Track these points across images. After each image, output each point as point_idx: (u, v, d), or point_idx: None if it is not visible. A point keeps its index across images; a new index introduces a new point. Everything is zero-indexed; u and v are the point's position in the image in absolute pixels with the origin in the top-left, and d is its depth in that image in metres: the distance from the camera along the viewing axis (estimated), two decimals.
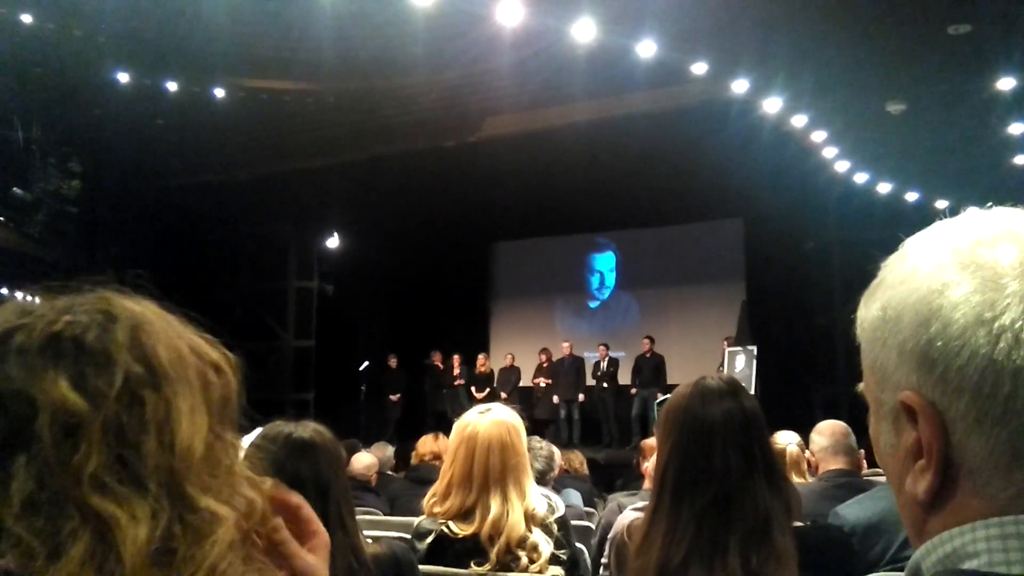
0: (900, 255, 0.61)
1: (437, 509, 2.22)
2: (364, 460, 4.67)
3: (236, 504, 0.67)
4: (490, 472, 2.18)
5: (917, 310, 0.57)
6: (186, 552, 0.60)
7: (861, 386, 0.64)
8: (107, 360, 0.63)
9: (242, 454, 0.72)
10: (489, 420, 2.25)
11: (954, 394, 0.55)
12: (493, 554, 2.12)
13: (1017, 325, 0.53)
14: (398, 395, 12.67)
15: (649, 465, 3.00)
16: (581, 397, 11.73)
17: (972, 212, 0.61)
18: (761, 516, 1.49)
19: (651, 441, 3.67)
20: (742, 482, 1.52)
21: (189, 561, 0.60)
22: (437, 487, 2.25)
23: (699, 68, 6.98)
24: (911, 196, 9.54)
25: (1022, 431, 0.53)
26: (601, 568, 2.70)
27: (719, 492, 1.52)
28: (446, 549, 2.18)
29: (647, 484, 3.22)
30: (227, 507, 0.65)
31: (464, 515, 2.19)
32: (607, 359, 11.83)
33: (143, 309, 0.69)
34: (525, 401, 11.52)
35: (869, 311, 0.62)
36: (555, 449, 4.10)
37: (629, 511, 2.29)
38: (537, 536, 2.16)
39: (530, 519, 2.18)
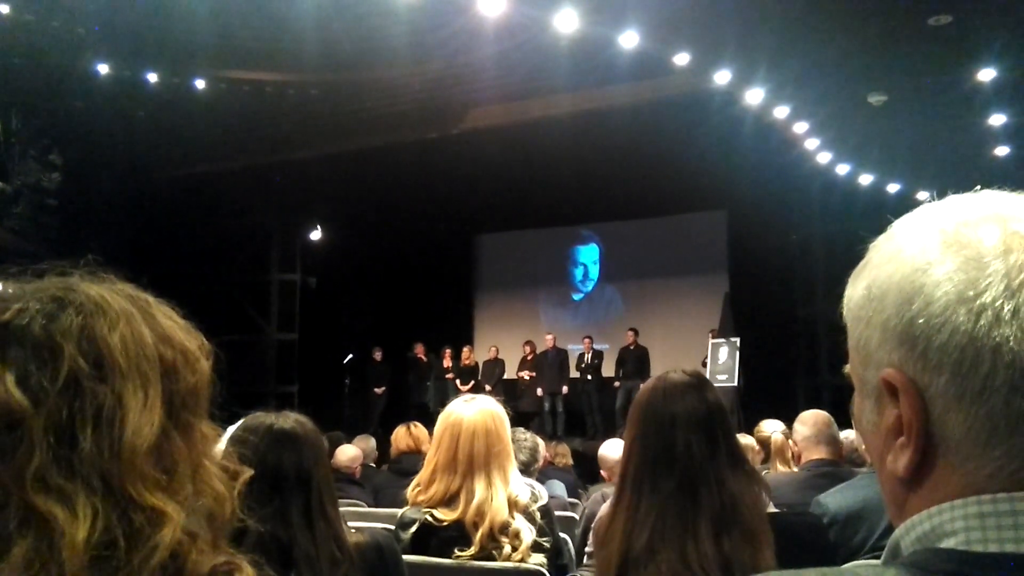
0: (887, 236, 0.62)
1: (421, 497, 2.23)
2: (348, 452, 4.67)
3: (201, 497, 0.66)
4: (474, 457, 2.19)
5: (901, 288, 0.57)
6: (125, 555, 0.59)
7: (847, 368, 0.65)
8: (52, 352, 0.62)
9: (221, 446, 0.70)
10: (474, 408, 2.28)
11: (934, 371, 0.55)
12: (476, 540, 2.13)
13: (998, 303, 0.53)
14: (382, 388, 12.65)
15: None
16: (565, 389, 11.75)
17: (959, 196, 0.62)
18: (728, 499, 1.51)
19: None
20: (706, 467, 1.54)
21: (127, 565, 0.59)
22: (421, 475, 2.26)
23: (681, 59, 6.99)
24: (893, 188, 9.61)
25: (1000, 408, 0.53)
26: (585, 557, 2.71)
27: (683, 478, 1.54)
28: (430, 537, 2.19)
29: None
30: (175, 504, 0.63)
31: (448, 501, 2.20)
32: (591, 351, 11.86)
33: (107, 295, 0.67)
34: (509, 393, 11.53)
35: (855, 290, 0.62)
36: (540, 441, 4.10)
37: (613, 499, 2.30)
38: (519, 523, 2.18)
39: (513, 505, 2.19)
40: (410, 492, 2.27)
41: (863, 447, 2.67)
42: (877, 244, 0.62)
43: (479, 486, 2.17)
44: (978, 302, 0.54)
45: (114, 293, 0.68)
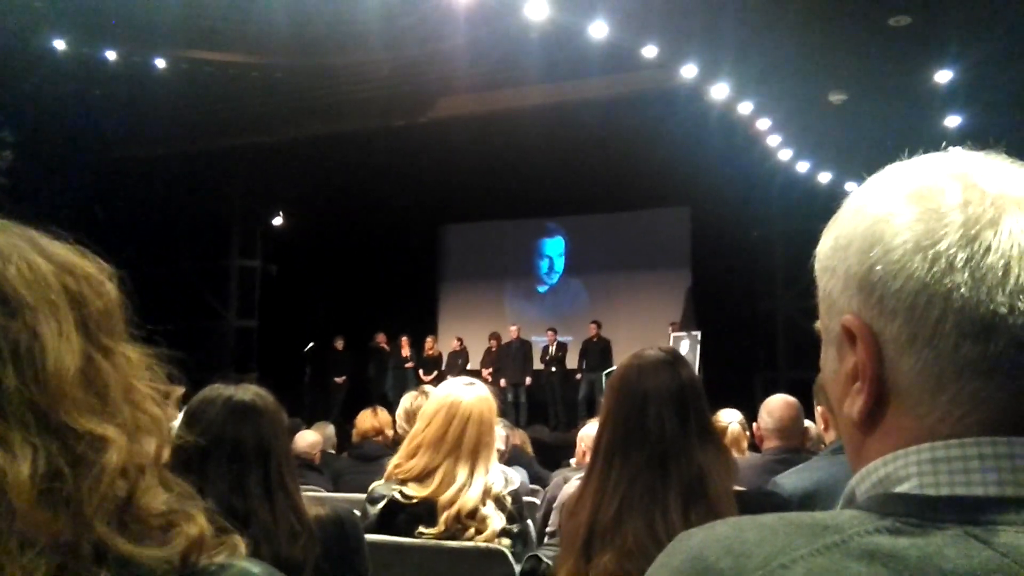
0: (858, 190, 0.64)
1: (399, 471, 2.22)
2: (308, 438, 4.63)
3: (137, 421, 0.65)
4: (464, 442, 2.19)
5: (864, 237, 0.59)
6: (74, 484, 0.58)
7: (818, 323, 0.66)
8: None
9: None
10: (473, 394, 2.28)
11: (889, 316, 0.57)
12: (442, 521, 2.13)
13: (952, 252, 0.55)
14: (343, 377, 12.55)
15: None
16: (528, 381, 11.78)
17: (927, 155, 0.63)
18: (696, 473, 1.53)
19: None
20: (677, 441, 1.56)
21: (76, 493, 0.58)
22: (404, 448, 2.26)
23: (649, 51, 7.03)
24: (851, 186, 9.71)
25: (948, 354, 0.55)
26: (545, 537, 2.73)
27: (654, 451, 1.55)
28: (396, 514, 2.18)
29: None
30: (115, 427, 0.62)
31: (423, 477, 2.19)
32: (555, 343, 11.91)
33: None
34: None
35: (825, 242, 0.64)
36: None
37: (575, 480, 2.32)
38: (488, 510, 2.18)
39: (486, 494, 2.20)
40: (390, 466, 2.27)
41: (820, 428, 2.72)
42: (849, 198, 0.64)
43: (461, 472, 2.18)
44: (933, 250, 0.55)
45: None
